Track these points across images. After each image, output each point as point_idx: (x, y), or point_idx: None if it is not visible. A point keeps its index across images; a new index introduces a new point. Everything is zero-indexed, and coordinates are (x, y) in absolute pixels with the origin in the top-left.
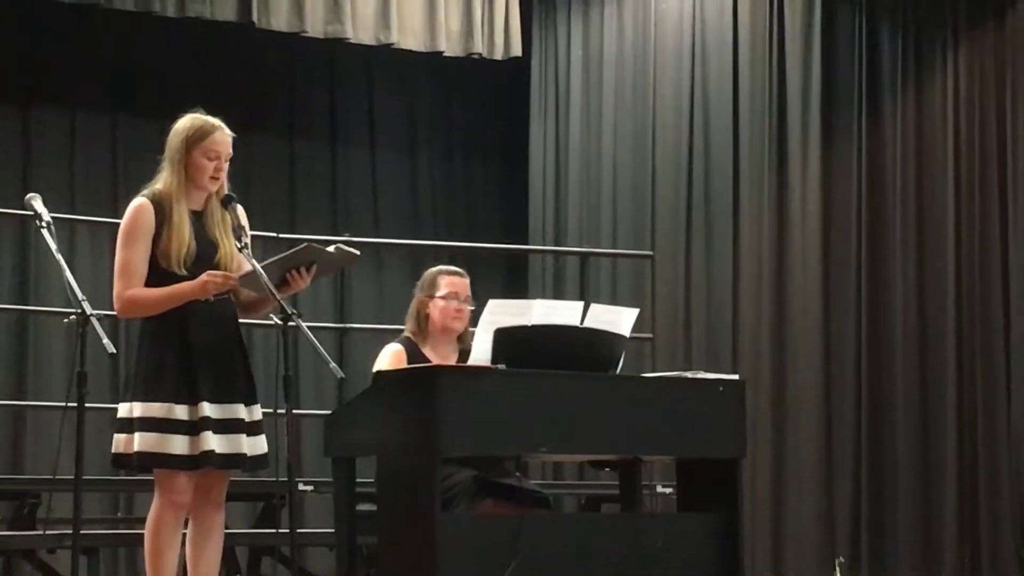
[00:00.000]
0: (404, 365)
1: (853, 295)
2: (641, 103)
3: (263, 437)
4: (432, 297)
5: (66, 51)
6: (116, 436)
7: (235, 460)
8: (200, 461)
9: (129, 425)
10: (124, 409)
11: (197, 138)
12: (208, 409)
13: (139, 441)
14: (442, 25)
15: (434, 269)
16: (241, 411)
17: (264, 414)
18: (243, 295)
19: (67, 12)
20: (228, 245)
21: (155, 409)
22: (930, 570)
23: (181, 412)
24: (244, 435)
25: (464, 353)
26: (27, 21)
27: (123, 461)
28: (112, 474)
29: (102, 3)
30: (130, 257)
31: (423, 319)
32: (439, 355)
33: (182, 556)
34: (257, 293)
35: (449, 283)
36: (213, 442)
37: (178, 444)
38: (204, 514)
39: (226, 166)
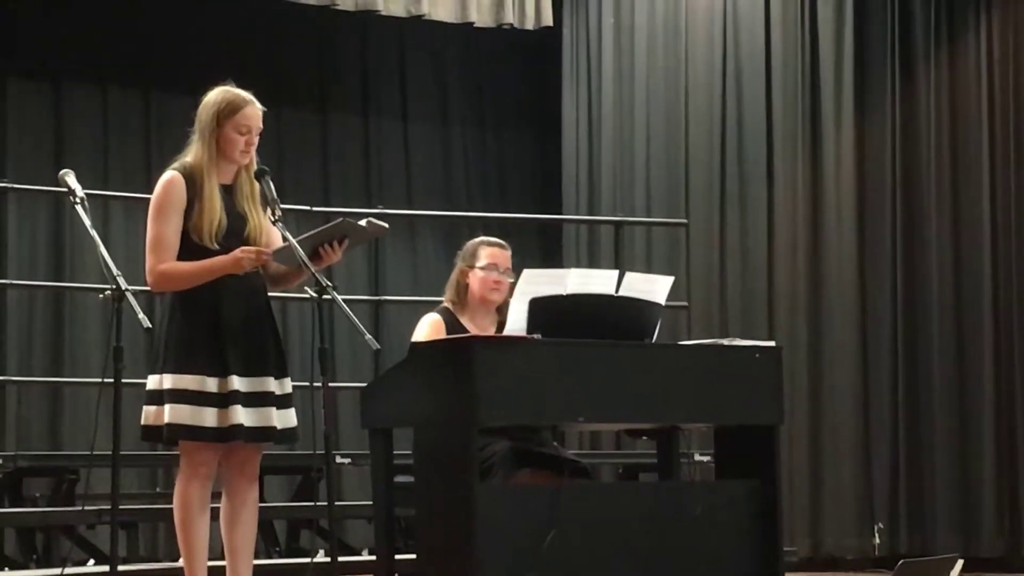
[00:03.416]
0: (443, 335)
1: (888, 260)
2: (673, 70)
3: (292, 410)
4: (472, 267)
5: (97, 27)
6: (146, 408)
7: (264, 433)
8: (228, 434)
9: (159, 397)
10: (154, 381)
11: (228, 112)
12: (237, 382)
13: (169, 413)
14: None
15: (477, 240)
16: (271, 384)
17: (300, 387)
18: (272, 268)
19: None
20: (257, 218)
21: (186, 381)
22: (969, 534)
23: (212, 385)
24: (274, 408)
25: (503, 324)
26: None
27: (153, 433)
28: (149, 449)
29: None
30: (162, 230)
31: (462, 289)
32: (477, 326)
33: (219, 531)
34: (289, 267)
35: (490, 254)
36: (242, 415)
37: (208, 416)
38: (238, 488)
39: (256, 140)
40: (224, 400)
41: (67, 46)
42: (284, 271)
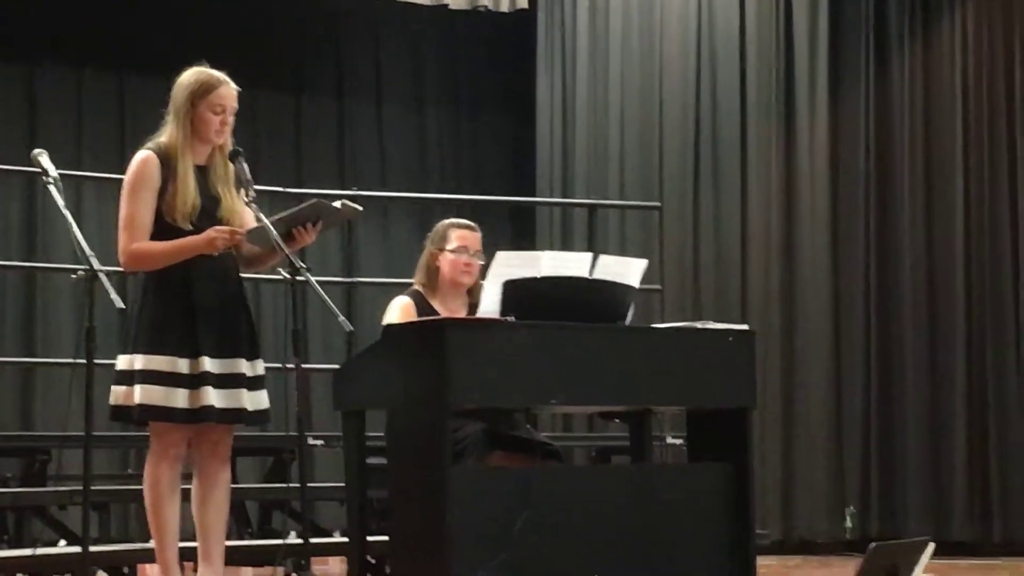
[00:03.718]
0: (413, 318)
1: (862, 245)
2: (648, 54)
3: (264, 392)
4: (443, 250)
5: (72, 8)
6: (115, 388)
7: (235, 415)
8: (199, 415)
9: (130, 377)
10: (124, 361)
11: (202, 92)
12: (209, 364)
13: (140, 393)
14: None
15: (446, 222)
16: (243, 366)
17: (274, 369)
18: (245, 249)
19: None
20: (231, 199)
21: (158, 362)
22: (940, 519)
23: (183, 366)
24: (245, 390)
25: (473, 307)
26: None
27: (122, 413)
28: (121, 430)
29: None
30: (136, 209)
31: (433, 272)
32: (448, 308)
33: (191, 512)
34: (263, 248)
35: (460, 236)
36: (212, 397)
37: (179, 398)
38: (210, 469)
39: (231, 120)
40: (195, 381)
41: (41, 27)
42: (257, 252)
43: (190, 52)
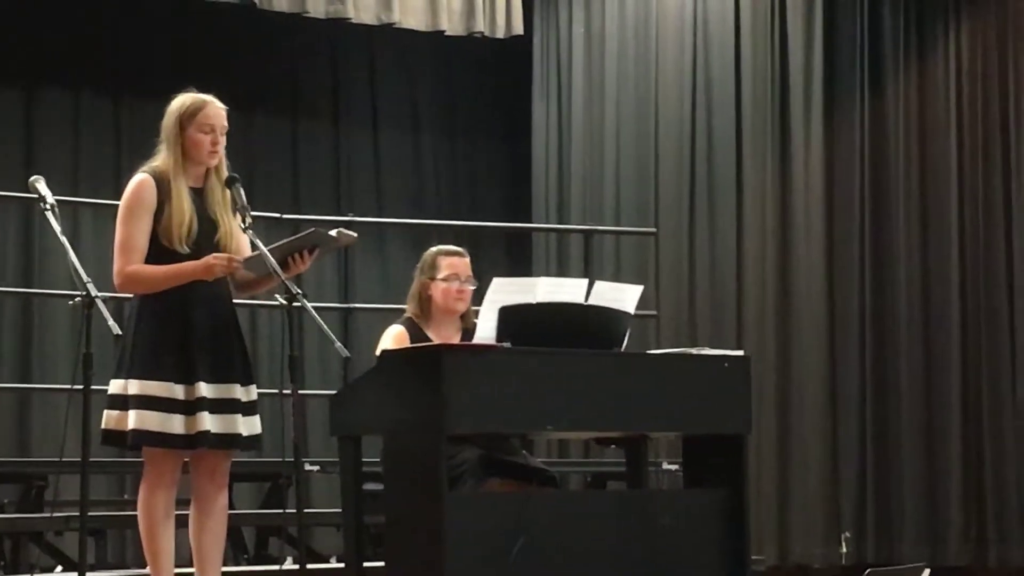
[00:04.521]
0: (407, 346)
1: (857, 270)
2: (643, 80)
3: (257, 417)
4: (433, 279)
5: (69, 33)
6: (107, 412)
7: (230, 440)
8: (195, 441)
9: (123, 402)
10: (117, 386)
11: (190, 114)
12: (204, 389)
13: (135, 419)
14: (444, 4)
15: (433, 250)
16: (237, 391)
17: (270, 394)
18: (239, 275)
19: None
20: (228, 223)
21: (153, 388)
22: (935, 543)
23: (179, 392)
24: (240, 415)
25: (467, 332)
26: (30, 3)
27: (115, 438)
28: (118, 455)
29: None
30: (131, 232)
31: (425, 301)
32: (442, 335)
33: (187, 538)
34: (257, 274)
35: (449, 264)
36: (208, 422)
37: (175, 423)
38: (207, 495)
39: (223, 139)
40: (191, 407)
41: (38, 52)
42: (251, 278)
43: (187, 77)
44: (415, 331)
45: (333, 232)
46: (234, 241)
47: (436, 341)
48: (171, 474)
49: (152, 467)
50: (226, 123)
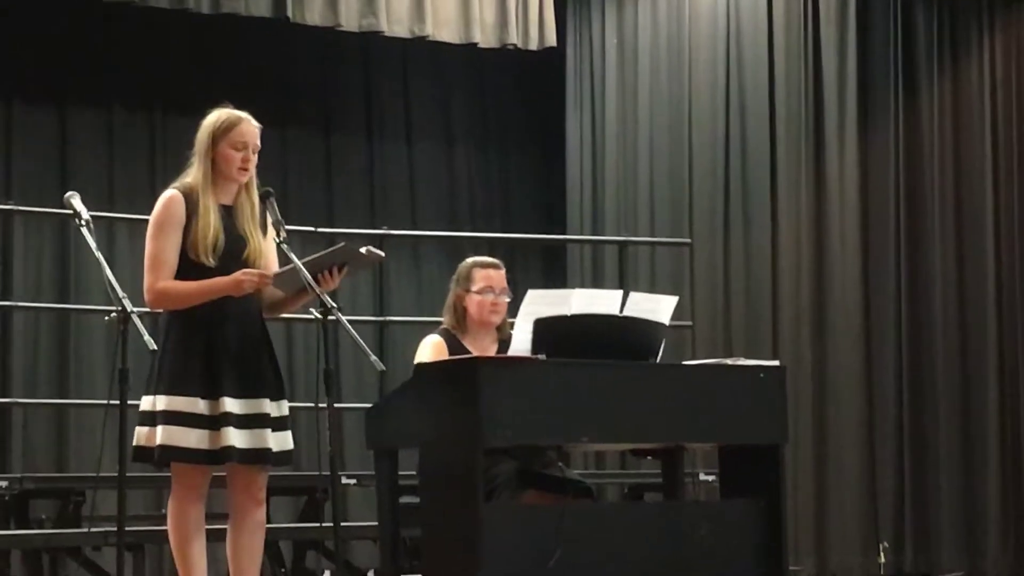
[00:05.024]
0: (445, 356)
1: (892, 278)
2: (677, 90)
3: (289, 433)
4: (468, 291)
5: (102, 50)
6: (138, 429)
7: (259, 455)
8: (220, 456)
9: (152, 418)
10: (147, 402)
11: (223, 130)
12: (230, 404)
13: (162, 435)
14: (476, 16)
15: (468, 262)
16: (267, 406)
17: (306, 408)
18: (267, 293)
19: (102, 11)
20: (257, 240)
21: (179, 403)
22: (973, 552)
23: (202, 407)
24: (269, 430)
25: (503, 343)
26: (62, 20)
27: (145, 454)
28: (155, 471)
29: (137, 1)
30: (161, 248)
31: (460, 313)
32: (478, 347)
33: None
34: (287, 292)
35: (484, 276)
36: (234, 437)
37: (199, 438)
38: (244, 510)
39: (254, 157)
40: (215, 422)
41: (72, 69)
42: (279, 297)
43: (221, 93)
44: (452, 341)
45: (362, 250)
46: (263, 259)
47: (473, 352)
48: (199, 489)
49: (180, 482)
50: (259, 142)
